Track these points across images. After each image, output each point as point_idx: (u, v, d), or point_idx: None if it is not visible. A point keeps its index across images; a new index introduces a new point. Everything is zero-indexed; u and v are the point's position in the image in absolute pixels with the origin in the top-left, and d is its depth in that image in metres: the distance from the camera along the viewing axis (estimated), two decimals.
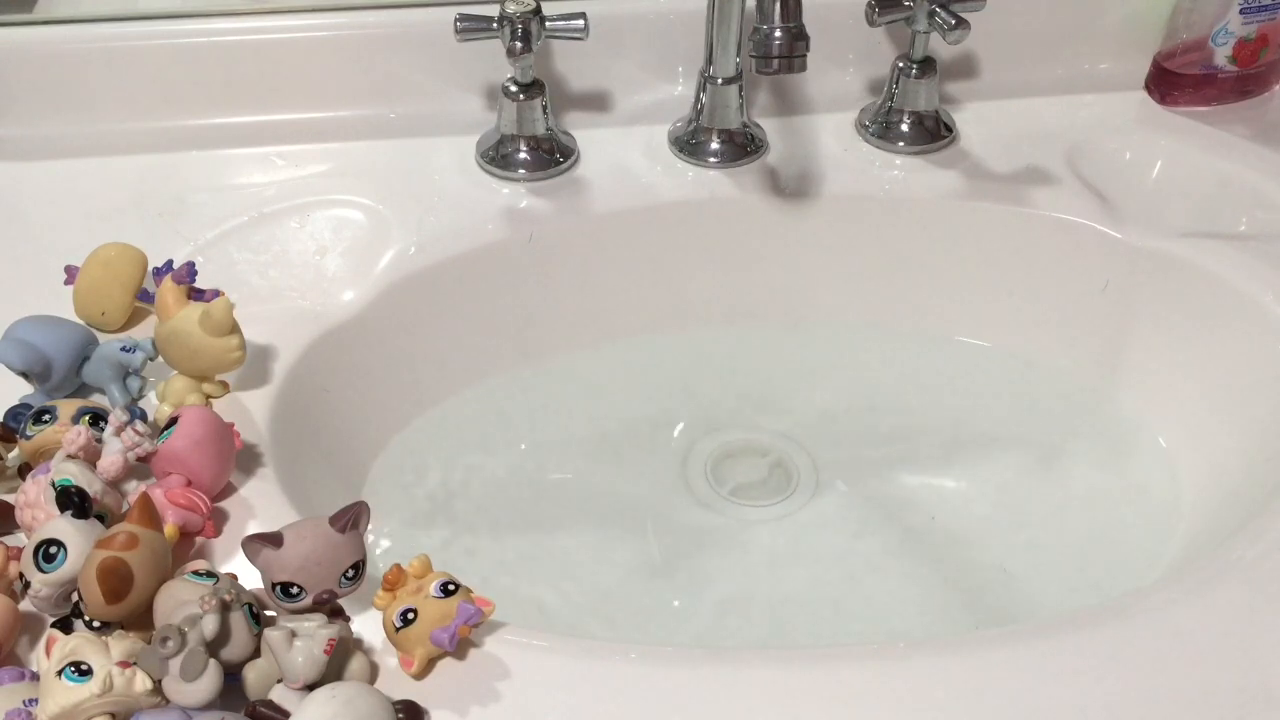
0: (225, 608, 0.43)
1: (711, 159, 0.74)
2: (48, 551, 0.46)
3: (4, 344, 0.56)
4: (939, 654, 0.48)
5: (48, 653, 0.43)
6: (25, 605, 0.47)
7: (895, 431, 0.72)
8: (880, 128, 0.76)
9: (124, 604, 0.43)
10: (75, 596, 0.46)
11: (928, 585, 0.63)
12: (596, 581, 0.64)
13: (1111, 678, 0.47)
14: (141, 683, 0.42)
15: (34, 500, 0.49)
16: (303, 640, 0.43)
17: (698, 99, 0.74)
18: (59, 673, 0.41)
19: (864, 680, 0.47)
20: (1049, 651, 0.48)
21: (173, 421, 0.52)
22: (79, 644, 0.42)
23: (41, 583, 0.46)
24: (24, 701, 0.42)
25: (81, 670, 0.41)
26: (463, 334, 0.71)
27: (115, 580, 0.43)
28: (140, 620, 0.45)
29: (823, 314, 0.76)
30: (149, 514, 0.45)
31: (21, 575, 0.47)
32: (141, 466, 0.52)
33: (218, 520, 0.52)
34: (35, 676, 0.44)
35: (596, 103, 0.78)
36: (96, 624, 0.45)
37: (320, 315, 0.64)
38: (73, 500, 0.47)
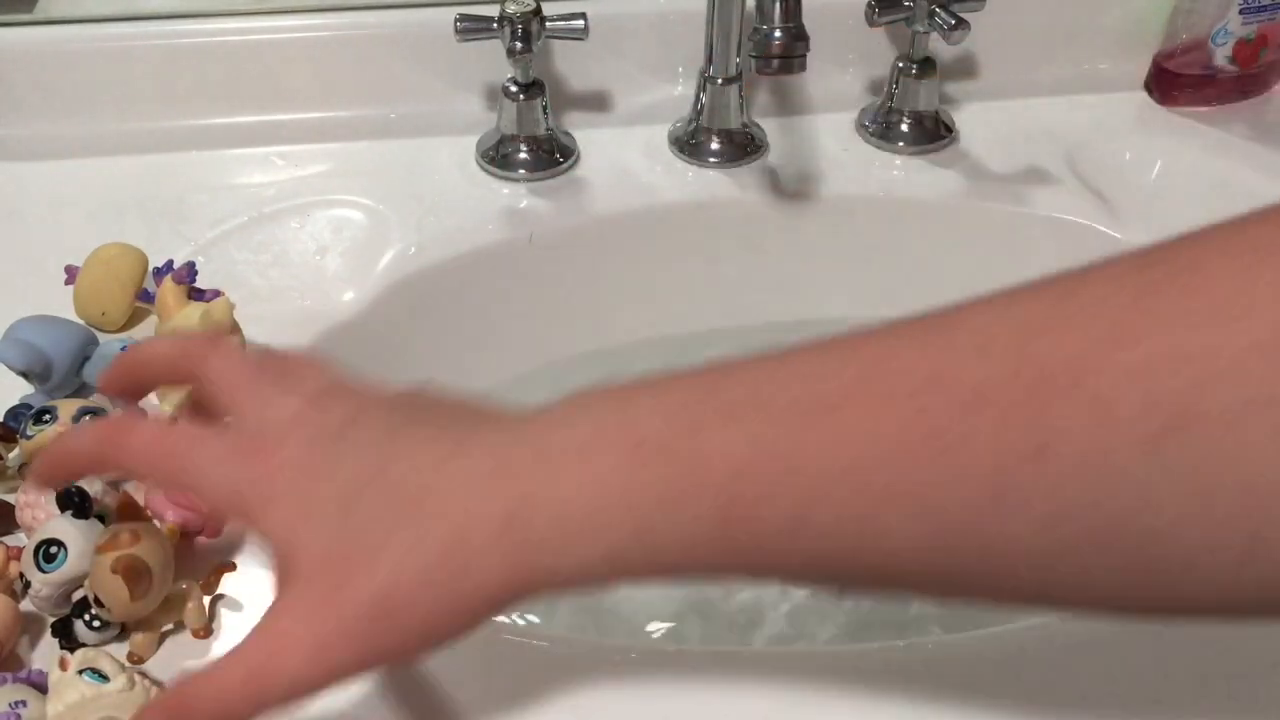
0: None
1: (711, 159, 0.74)
2: (48, 551, 0.46)
3: (4, 344, 0.55)
4: (937, 654, 0.48)
5: (63, 668, 0.43)
6: (25, 605, 0.47)
7: None
8: (880, 128, 0.76)
9: (148, 598, 0.44)
10: (75, 596, 0.46)
11: None
12: None
13: (1112, 679, 0.47)
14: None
15: (34, 500, 0.49)
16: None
17: (697, 99, 0.74)
18: (79, 673, 0.42)
19: (864, 680, 0.47)
20: (1048, 652, 0.48)
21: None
22: (95, 655, 0.43)
23: (42, 583, 0.46)
24: (10, 704, 0.42)
25: (101, 675, 0.42)
26: (463, 334, 0.71)
27: (137, 576, 0.43)
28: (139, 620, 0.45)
29: (822, 314, 0.76)
30: (133, 508, 0.45)
31: (22, 575, 0.47)
32: None
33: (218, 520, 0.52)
34: (34, 677, 0.44)
35: (596, 103, 0.78)
36: (96, 624, 0.45)
37: (320, 315, 0.64)
38: (73, 500, 0.47)
